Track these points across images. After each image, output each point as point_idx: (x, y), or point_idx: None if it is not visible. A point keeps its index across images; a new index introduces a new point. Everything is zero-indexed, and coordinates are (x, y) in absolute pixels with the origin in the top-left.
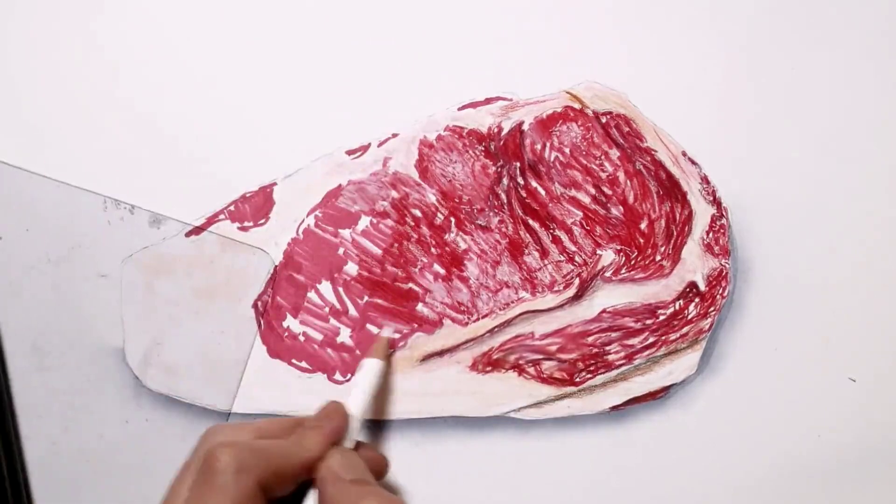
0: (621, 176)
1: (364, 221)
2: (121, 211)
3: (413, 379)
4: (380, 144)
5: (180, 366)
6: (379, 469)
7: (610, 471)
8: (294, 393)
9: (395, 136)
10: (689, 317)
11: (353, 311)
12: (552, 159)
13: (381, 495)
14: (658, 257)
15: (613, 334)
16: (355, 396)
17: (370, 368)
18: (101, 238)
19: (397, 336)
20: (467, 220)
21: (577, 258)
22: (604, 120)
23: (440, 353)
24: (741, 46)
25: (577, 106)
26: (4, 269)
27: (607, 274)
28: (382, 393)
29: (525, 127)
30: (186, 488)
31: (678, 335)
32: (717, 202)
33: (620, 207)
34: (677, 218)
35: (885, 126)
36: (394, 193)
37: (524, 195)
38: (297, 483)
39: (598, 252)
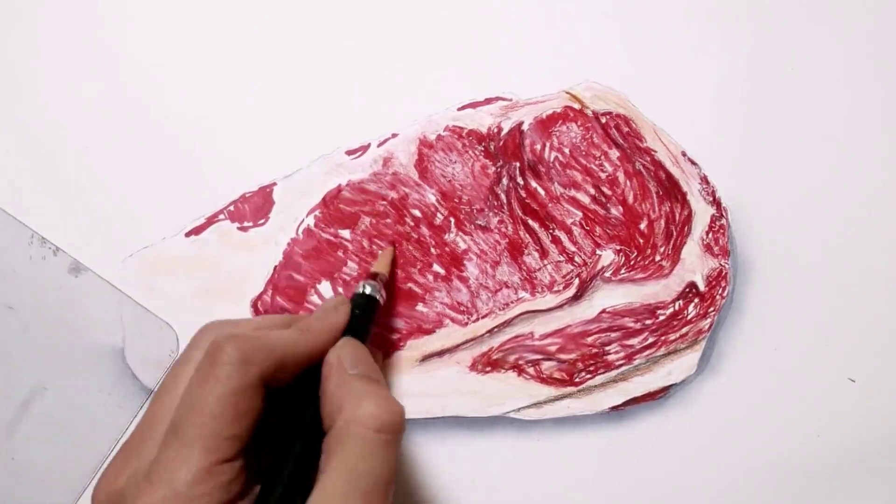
0: (621, 176)
1: (364, 221)
2: (44, 250)
3: (413, 379)
4: (379, 144)
5: None
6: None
7: (610, 471)
8: None
9: (394, 136)
10: (689, 317)
11: None
12: (552, 159)
13: (382, 397)
14: (658, 257)
15: (613, 334)
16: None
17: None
18: (18, 271)
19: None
20: (467, 220)
21: (576, 258)
22: (603, 120)
23: (440, 354)
24: (741, 46)
25: (576, 106)
26: None
27: (607, 274)
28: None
29: (525, 127)
30: (186, 379)
31: (678, 335)
32: (716, 202)
33: (620, 207)
34: (677, 218)
35: (885, 126)
36: (393, 194)
37: (524, 195)
38: (299, 372)
39: (598, 252)
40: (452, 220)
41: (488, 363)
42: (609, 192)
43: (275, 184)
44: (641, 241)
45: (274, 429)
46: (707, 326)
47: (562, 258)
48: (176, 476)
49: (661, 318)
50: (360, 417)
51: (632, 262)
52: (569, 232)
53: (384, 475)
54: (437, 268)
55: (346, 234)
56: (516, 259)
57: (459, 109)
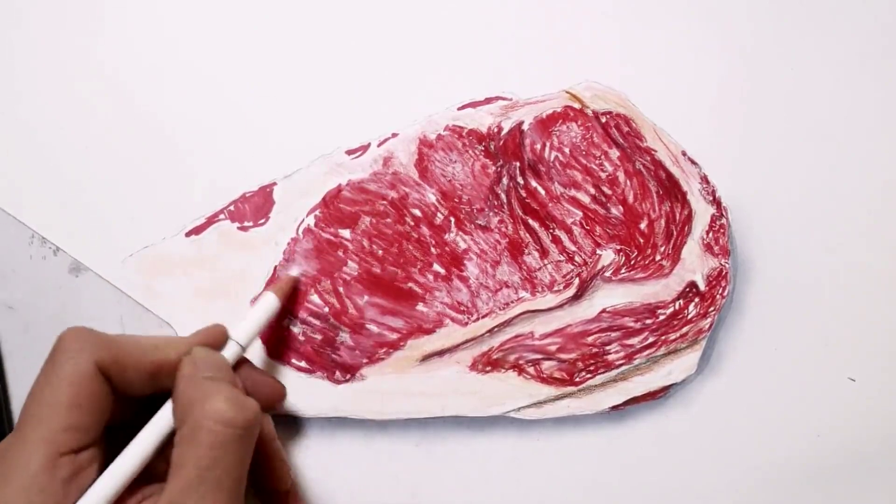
0: (621, 176)
1: (364, 221)
2: (45, 249)
3: (413, 379)
4: (379, 144)
5: None
6: (274, 395)
7: (610, 471)
8: (294, 393)
9: (394, 135)
10: (689, 316)
11: (352, 311)
12: (552, 159)
13: (232, 395)
14: (658, 257)
15: (613, 334)
16: (244, 325)
17: (267, 302)
18: (18, 271)
19: (302, 278)
20: (467, 219)
21: (576, 258)
22: (603, 120)
23: (440, 353)
24: (741, 46)
25: (576, 105)
26: None
27: (607, 274)
28: (382, 393)
29: (525, 127)
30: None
31: (678, 335)
32: (716, 202)
33: (620, 207)
34: (677, 218)
35: (885, 126)
36: (393, 193)
37: (524, 195)
38: (150, 383)
39: (598, 252)
40: (452, 219)
41: (488, 363)
42: (609, 192)
43: (275, 184)
44: (642, 240)
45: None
46: (707, 326)
47: (562, 258)
48: (18, 470)
49: (662, 317)
50: (209, 412)
51: (632, 262)
52: (569, 231)
53: (234, 467)
54: (437, 267)
55: (346, 233)
56: (516, 259)
57: (459, 109)
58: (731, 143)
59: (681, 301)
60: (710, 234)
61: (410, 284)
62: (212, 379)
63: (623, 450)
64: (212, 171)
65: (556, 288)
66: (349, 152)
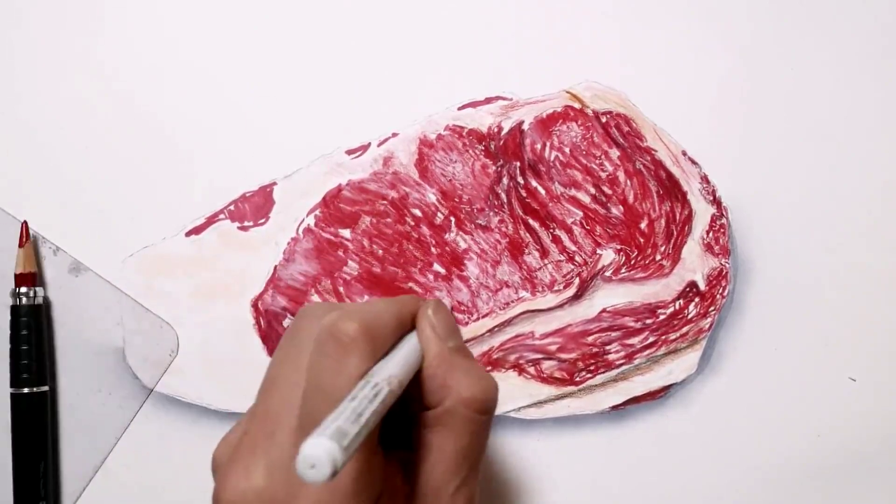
0: (621, 175)
1: (364, 221)
2: (45, 249)
3: None
4: (380, 144)
5: (180, 366)
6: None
7: (610, 470)
8: None
9: (395, 135)
10: (689, 316)
11: None
12: (552, 159)
13: (482, 378)
14: (658, 257)
15: (613, 334)
16: None
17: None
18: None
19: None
20: (467, 219)
21: (577, 258)
22: (604, 119)
23: None
24: (741, 46)
25: (577, 105)
26: None
27: (607, 273)
28: None
29: (525, 126)
30: (301, 367)
31: (678, 335)
32: (717, 202)
33: (620, 207)
34: (677, 217)
35: (885, 126)
36: (393, 193)
37: (524, 195)
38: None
39: (598, 251)
40: (453, 219)
41: (489, 362)
42: (609, 192)
43: (275, 183)
44: (642, 240)
45: None
46: (707, 326)
47: (562, 257)
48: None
49: (662, 317)
50: (468, 401)
51: (632, 262)
52: (569, 231)
53: (484, 449)
54: (437, 267)
55: (346, 233)
56: (517, 258)
57: (459, 109)
58: (731, 143)
59: (681, 301)
60: (711, 234)
61: (411, 284)
62: (457, 351)
63: (623, 450)
64: (212, 171)
65: (556, 288)
66: (349, 152)
